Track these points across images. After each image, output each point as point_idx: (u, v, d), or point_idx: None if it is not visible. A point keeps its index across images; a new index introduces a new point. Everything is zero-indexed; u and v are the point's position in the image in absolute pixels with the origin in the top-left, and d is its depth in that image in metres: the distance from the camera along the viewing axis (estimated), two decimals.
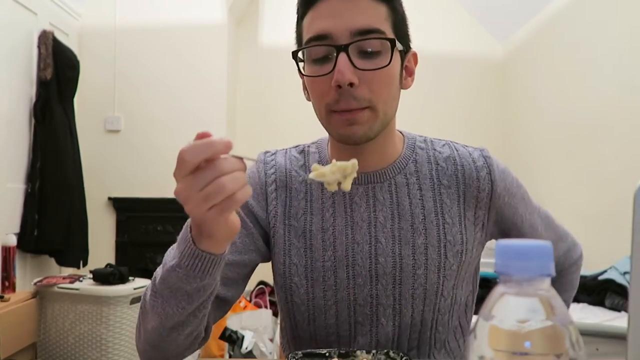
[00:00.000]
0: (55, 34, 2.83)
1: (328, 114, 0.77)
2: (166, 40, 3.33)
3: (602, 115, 2.48)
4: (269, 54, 3.73)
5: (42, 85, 2.75)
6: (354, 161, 0.66)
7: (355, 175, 0.66)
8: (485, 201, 0.84)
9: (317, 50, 0.76)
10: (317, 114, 0.81)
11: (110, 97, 3.32)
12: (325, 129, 0.82)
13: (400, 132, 0.90)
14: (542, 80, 3.18)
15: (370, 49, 0.74)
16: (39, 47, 2.74)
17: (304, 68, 0.79)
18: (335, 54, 0.73)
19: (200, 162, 0.55)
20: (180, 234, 0.66)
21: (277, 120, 3.70)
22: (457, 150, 0.87)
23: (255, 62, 3.78)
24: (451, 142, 0.90)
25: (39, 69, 2.74)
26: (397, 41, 0.75)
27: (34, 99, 2.77)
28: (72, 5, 3.19)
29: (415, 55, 0.84)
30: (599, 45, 2.52)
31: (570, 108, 2.79)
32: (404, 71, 0.81)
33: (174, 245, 0.68)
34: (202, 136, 0.57)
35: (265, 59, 3.75)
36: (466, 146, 0.89)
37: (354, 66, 0.73)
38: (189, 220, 0.64)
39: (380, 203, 0.83)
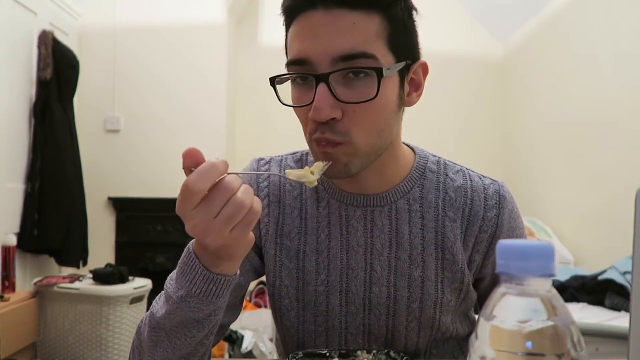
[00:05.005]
0: (55, 34, 2.83)
1: (310, 142, 0.70)
2: (166, 40, 3.33)
3: (602, 115, 2.48)
4: (269, 54, 3.72)
5: (42, 85, 2.75)
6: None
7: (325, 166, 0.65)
8: (484, 245, 0.77)
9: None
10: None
11: (110, 97, 3.32)
12: None
13: (413, 150, 0.82)
14: (542, 80, 3.18)
15: (355, 76, 0.65)
16: (39, 47, 2.74)
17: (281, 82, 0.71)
18: (315, 82, 0.64)
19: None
20: (180, 263, 0.61)
21: (277, 120, 3.70)
22: (471, 181, 0.79)
23: (255, 62, 3.78)
24: (467, 169, 0.82)
25: (39, 69, 2.74)
26: (393, 62, 0.67)
27: (34, 99, 2.77)
28: (72, 5, 3.19)
29: (424, 65, 0.74)
30: (599, 45, 2.52)
31: (571, 108, 2.79)
32: (407, 86, 0.72)
33: (173, 277, 0.63)
34: (190, 153, 0.53)
35: (265, 58, 3.74)
36: (483, 177, 0.80)
37: (336, 98, 0.64)
38: (188, 246, 0.60)
39: (379, 229, 0.77)
